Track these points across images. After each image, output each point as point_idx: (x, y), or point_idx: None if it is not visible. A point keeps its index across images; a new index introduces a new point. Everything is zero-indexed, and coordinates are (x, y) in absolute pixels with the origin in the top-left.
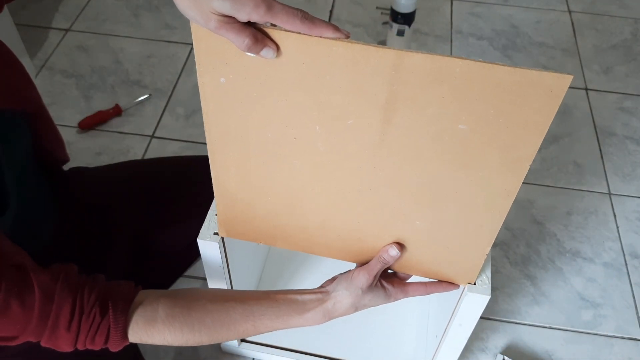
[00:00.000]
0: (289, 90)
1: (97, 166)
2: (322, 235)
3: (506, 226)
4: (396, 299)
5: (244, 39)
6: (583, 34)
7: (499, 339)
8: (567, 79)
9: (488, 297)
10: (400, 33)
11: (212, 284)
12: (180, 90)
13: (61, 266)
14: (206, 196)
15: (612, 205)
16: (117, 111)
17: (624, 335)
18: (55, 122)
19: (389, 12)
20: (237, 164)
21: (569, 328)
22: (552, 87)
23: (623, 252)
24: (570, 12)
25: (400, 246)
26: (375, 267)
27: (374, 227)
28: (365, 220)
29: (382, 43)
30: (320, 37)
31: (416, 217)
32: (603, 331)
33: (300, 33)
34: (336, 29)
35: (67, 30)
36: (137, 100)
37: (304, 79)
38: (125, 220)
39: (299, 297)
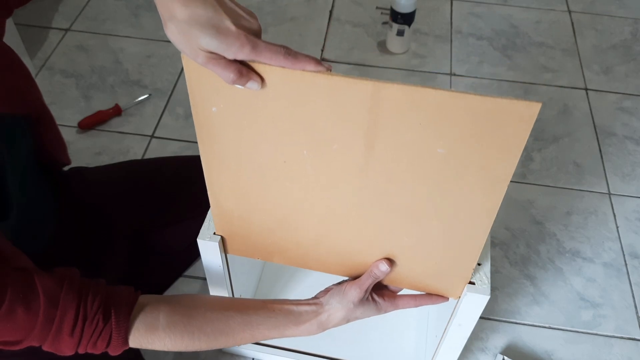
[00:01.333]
0: (276, 118)
1: (97, 166)
2: (316, 251)
3: (506, 226)
4: (386, 312)
5: (229, 74)
6: (583, 34)
7: (498, 339)
8: (536, 107)
9: (487, 297)
10: (400, 33)
11: (212, 284)
12: (180, 90)
13: (64, 270)
14: (206, 196)
15: (611, 205)
16: (116, 111)
17: (624, 336)
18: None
19: (388, 12)
20: (232, 185)
21: (568, 328)
22: (523, 114)
23: (623, 252)
24: (570, 12)
25: (390, 262)
26: (367, 282)
27: (365, 243)
28: (356, 236)
29: (382, 43)
30: (303, 70)
31: (403, 234)
32: (603, 331)
33: (284, 67)
34: (318, 62)
35: (67, 30)
36: (137, 100)
37: (290, 108)
38: (125, 220)
39: (295, 308)
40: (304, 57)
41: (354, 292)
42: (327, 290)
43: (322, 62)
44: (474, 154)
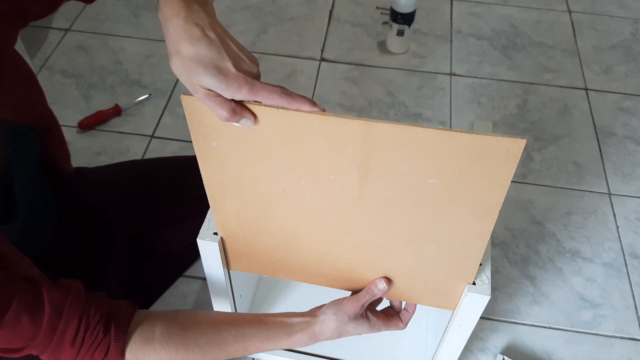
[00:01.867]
0: (274, 152)
1: (97, 166)
2: (318, 268)
3: (506, 226)
4: (379, 331)
5: (223, 112)
6: (583, 34)
7: (498, 339)
8: (522, 143)
9: (488, 298)
10: (400, 33)
11: (212, 284)
12: (180, 90)
13: (69, 281)
14: (206, 196)
15: (611, 205)
16: (116, 111)
17: (624, 336)
18: None
19: (388, 12)
20: (236, 209)
21: (568, 328)
22: (509, 149)
23: (623, 252)
24: (570, 12)
25: (389, 280)
26: (364, 298)
27: (365, 262)
28: (356, 256)
29: (382, 43)
30: (298, 110)
31: (401, 254)
32: (603, 331)
33: (279, 107)
34: (313, 103)
35: (67, 30)
36: (137, 100)
37: (286, 143)
38: (125, 220)
39: (287, 319)
40: (299, 97)
41: (351, 305)
42: (321, 306)
43: (316, 103)
44: (464, 184)
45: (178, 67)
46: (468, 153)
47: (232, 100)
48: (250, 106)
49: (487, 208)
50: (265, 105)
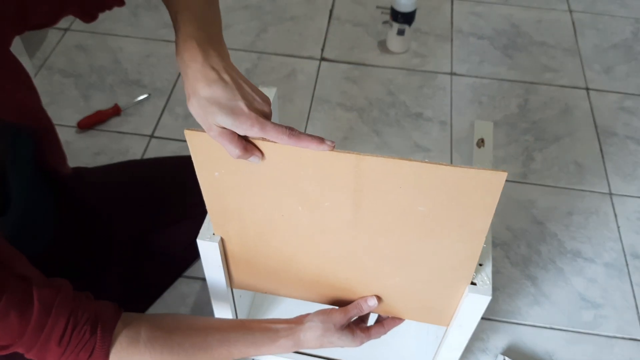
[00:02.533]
0: (271, 182)
1: (96, 166)
2: (316, 288)
3: (507, 226)
4: (362, 342)
5: (235, 149)
6: (584, 34)
7: (499, 340)
8: (503, 176)
9: (489, 298)
10: (401, 32)
11: (212, 285)
12: (179, 89)
13: (58, 280)
14: None
15: (613, 205)
16: (116, 111)
17: (625, 336)
18: (54, 122)
19: (389, 11)
20: (237, 233)
21: (569, 329)
22: (491, 180)
23: (624, 252)
24: (571, 11)
25: (379, 298)
26: (352, 311)
27: (360, 282)
28: (351, 278)
29: (383, 42)
30: (307, 148)
31: (394, 275)
32: (604, 332)
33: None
34: (320, 141)
35: (66, 29)
36: (136, 100)
37: (285, 174)
38: (125, 220)
39: (272, 325)
40: (307, 137)
41: (339, 316)
42: (308, 314)
43: (325, 140)
44: (451, 212)
45: (195, 107)
46: (453, 184)
47: (244, 139)
48: (257, 143)
49: (474, 233)
50: (270, 142)
